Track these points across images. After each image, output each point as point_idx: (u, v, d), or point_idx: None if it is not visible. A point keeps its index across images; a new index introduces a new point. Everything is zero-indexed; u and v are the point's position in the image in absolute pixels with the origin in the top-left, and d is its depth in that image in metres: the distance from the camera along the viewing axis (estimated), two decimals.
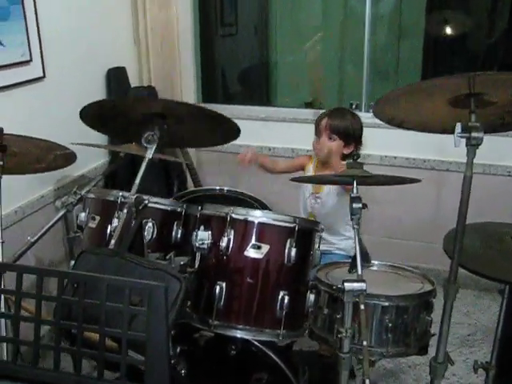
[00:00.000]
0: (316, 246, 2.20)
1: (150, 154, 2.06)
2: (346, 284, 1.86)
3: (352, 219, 1.97)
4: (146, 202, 1.99)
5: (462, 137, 1.72)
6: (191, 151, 3.72)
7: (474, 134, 1.71)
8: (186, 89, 3.79)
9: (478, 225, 2.28)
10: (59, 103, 3.15)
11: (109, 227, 2.21)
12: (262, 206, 3.10)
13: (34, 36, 2.94)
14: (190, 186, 3.73)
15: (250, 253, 2.04)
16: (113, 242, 2.00)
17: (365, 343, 1.85)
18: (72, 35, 3.22)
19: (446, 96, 1.80)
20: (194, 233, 2.11)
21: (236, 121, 3.93)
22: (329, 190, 2.82)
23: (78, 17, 3.27)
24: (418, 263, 3.86)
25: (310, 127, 3.62)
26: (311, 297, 2.17)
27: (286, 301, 2.05)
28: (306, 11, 4.81)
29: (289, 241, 2.05)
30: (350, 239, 2.88)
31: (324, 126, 2.78)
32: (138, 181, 2.05)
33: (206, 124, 2.23)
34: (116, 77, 3.55)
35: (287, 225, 2.06)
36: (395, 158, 3.68)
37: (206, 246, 2.09)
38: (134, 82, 3.73)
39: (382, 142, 3.60)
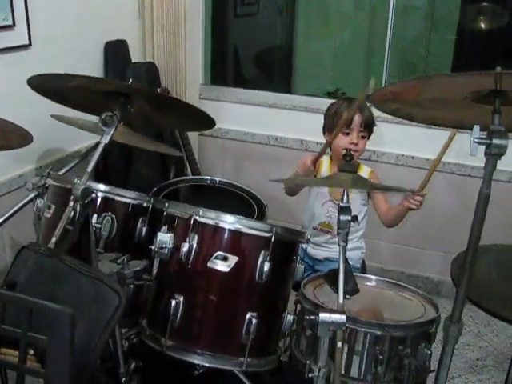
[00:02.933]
0: (299, 259, 1.80)
1: (106, 139, 1.66)
2: (321, 315, 1.46)
3: (338, 234, 1.56)
4: (94, 195, 1.60)
5: (480, 143, 1.29)
6: (192, 136, 3.32)
7: (495, 141, 1.28)
8: (192, 68, 3.36)
9: (493, 247, 1.85)
10: None
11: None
12: (256, 202, 2.71)
13: None
14: (189, 175, 3.34)
15: (215, 264, 1.65)
16: (53, 239, 1.62)
17: None
18: (66, 0, 2.84)
19: (466, 89, 1.37)
20: (156, 234, 1.73)
21: (245, 106, 3.63)
22: (354, 198, 2.36)
23: None
24: (433, 274, 3.51)
25: (321, 117, 3.23)
26: (289, 318, 1.79)
27: (253, 324, 1.66)
28: None
29: (262, 253, 1.65)
30: (358, 249, 2.51)
31: (358, 123, 2.30)
32: (90, 169, 1.65)
33: (175, 110, 1.82)
34: (115, 50, 3.16)
35: (261, 234, 1.66)
36: (413, 157, 3.21)
37: (166, 251, 1.70)
38: (135, 57, 3.33)
39: (399, 139, 3.17)
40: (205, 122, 1.77)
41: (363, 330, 1.76)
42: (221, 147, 3.56)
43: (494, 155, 1.30)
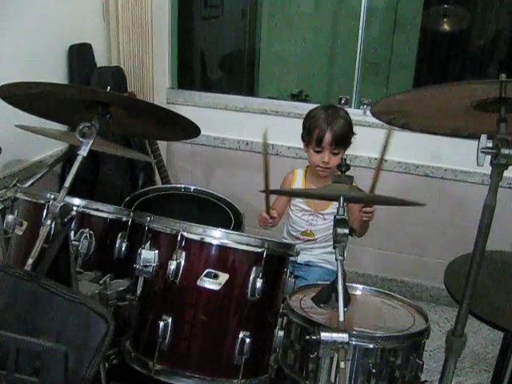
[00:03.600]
0: (288, 272, 1.71)
1: (84, 151, 1.53)
2: (322, 334, 1.37)
3: (335, 248, 1.47)
4: (74, 213, 1.47)
5: (487, 153, 1.23)
6: (159, 141, 3.19)
7: (504, 151, 1.21)
8: (159, 72, 3.24)
9: (489, 254, 1.80)
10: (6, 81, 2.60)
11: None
12: (232, 211, 2.61)
13: None
14: (158, 181, 3.21)
15: (205, 282, 1.54)
16: (30, 261, 1.48)
17: None
18: (25, 1, 2.67)
19: (469, 98, 1.31)
20: (139, 251, 1.61)
21: (214, 111, 3.51)
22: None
23: None
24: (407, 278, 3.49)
25: (294, 122, 3.15)
26: (279, 334, 1.69)
27: (247, 343, 1.56)
28: None
29: (254, 269, 1.56)
30: None
31: (328, 141, 2.23)
32: (68, 184, 1.52)
33: (159, 119, 1.70)
34: (80, 54, 3.00)
35: (253, 249, 1.56)
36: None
37: (151, 270, 1.59)
38: (100, 61, 3.18)
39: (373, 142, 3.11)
40: (190, 130, 1.66)
41: (354, 342, 1.68)
42: (190, 153, 3.44)
43: (501, 165, 1.24)
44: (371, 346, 1.68)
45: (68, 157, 2.83)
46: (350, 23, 3.60)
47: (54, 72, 2.92)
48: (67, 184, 1.52)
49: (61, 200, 1.49)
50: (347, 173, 1.53)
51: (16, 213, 1.85)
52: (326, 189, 1.62)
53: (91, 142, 1.55)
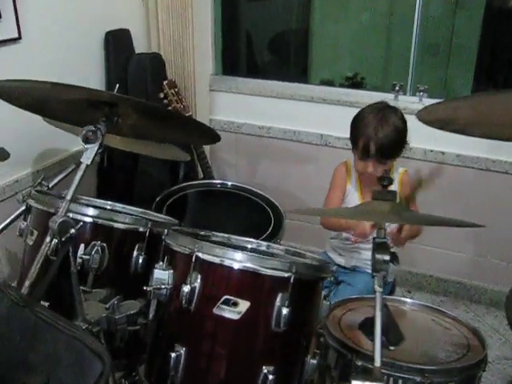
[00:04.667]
0: (323, 296, 1.46)
1: (88, 159, 1.33)
2: (353, 382, 1.13)
3: (373, 277, 1.22)
4: (74, 230, 1.27)
5: None
6: None
7: None
8: (201, 57, 2.99)
9: None
10: (40, 72, 2.42)
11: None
12: (273, 210, 2.37)
13: None
14: (200, 173, 3.00)
15: (222, 310, 1.31)
16: (27, 283, 1.30)
17: None
18: None
19: None
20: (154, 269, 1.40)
21: (258, 98, 3.26)
22: None
23: None
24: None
25: (344, 110, 2.87)
26: (311, 362, 1.45)
27: (269, 380, 1.32)
28: None
29: (280, 297, 1.31)
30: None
31: (373, 152, 1.96)
32: (69, 196, 1.32)
33: (171, 123, 1.46)
34: (117, 41, 2.81)
35: (278, 274, 1.31)
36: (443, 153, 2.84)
37: (164, 292, 1.37)
38: (139, 48, 2.97)
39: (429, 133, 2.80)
40: (208, 136, 1.43)
41: (400, 375, 1.44)
42: (233, 142, 3.20)
43: None
44: (418, 379, 1.44)
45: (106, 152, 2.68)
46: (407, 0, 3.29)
47: (90, 60, 2.75)
48: (69, 196, 1.32)
49: (61, 215, 1.29)
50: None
51: (29, 219, 1.68)
52: (362, 208, 1.35)
53: (96, 147, 1.34)
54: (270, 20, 3.97)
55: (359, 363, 1.50)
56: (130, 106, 1.35)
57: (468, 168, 2.78)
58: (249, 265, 1.31)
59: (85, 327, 1.32)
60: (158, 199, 2.33)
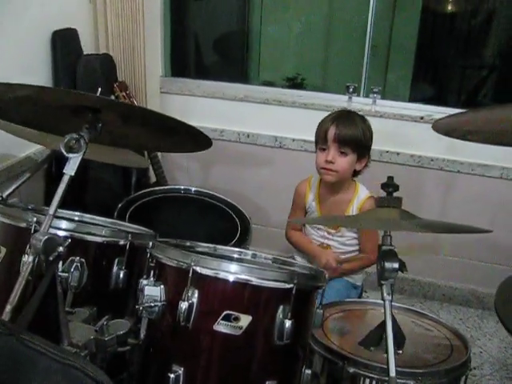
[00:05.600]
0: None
1: (72, 170, 1.21)
2: None
3: (381, 285, 1.18)
4: (61, 249, 1.15)
5: None
6: None
7: None
8: (151, 59, 2.87)
9: None
10: None
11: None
12: (239, 216, 2.30)
13: None
14: (152, 178, 2.88)
15: (223, 327, 1.23)
16: (8, 307, 1.17)
17: None
18: None
19: None
20: (140, 284, 1.30)
21: (211, 100, 3.18)
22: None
23: None
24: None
25: (299, 112, 2.84)
26: (307, 372, 1.40)
27: None
28: None
29: (281, 309, 1.25)
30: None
31: (332, 136, 1.96)
32: (52, 210, 1.20)
33: (158, 128, 1.36)
34: (64, 41, 2.63)
35: (280, 285, 1.25)
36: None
37: (156, 310, 1.28)
38: (88, 48, 2.81)
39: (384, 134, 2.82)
40: (199, 142, 1.34)
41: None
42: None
43: None
44: (411, 383, 1.43)
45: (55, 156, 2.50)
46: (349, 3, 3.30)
47: (36, 61, 2.55)
48: (51, 211, 1.20)
49: (45, 232, 1.17)
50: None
51: None
52: (368, 215, 1.31)
53: (80, 157, 1.22)
54: (216, 21, 3.89)
55: (351, 370, 1.47)
56: (115, 110, 1.24)
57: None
58: (249, 277, 1.23)
59: (73, 352, 1.20)
60: (119, 207, 2.20)
